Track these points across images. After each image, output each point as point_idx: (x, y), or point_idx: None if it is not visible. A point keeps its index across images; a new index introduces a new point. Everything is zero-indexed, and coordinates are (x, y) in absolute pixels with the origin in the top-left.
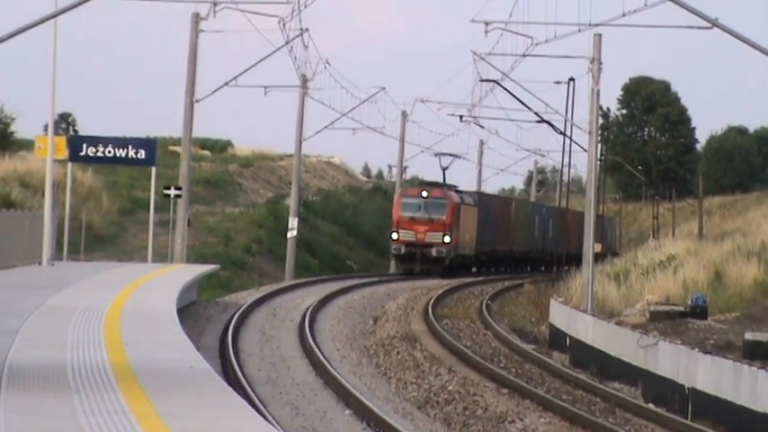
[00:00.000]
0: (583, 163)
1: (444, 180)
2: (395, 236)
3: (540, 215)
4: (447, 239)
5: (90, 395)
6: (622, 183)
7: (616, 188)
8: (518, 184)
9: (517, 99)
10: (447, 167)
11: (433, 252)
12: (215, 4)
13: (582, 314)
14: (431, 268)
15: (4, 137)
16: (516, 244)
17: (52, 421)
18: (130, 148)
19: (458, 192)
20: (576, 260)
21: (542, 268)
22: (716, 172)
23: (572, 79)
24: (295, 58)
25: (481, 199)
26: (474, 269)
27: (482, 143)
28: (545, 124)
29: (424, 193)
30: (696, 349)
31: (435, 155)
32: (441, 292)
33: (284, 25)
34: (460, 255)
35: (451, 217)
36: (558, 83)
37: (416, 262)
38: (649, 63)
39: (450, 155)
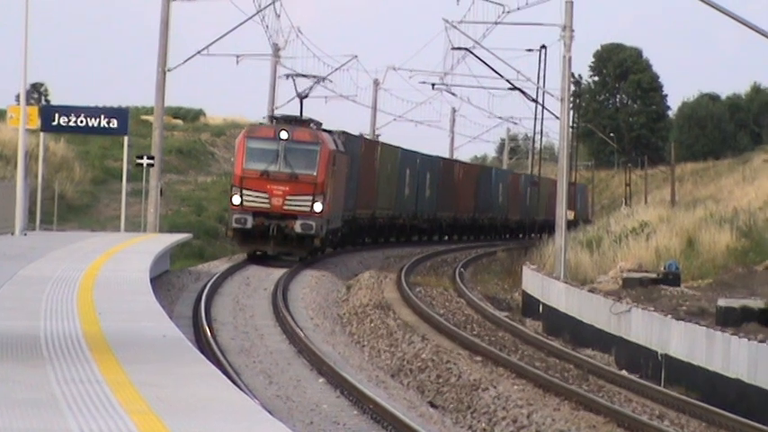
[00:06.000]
0: (555, 130)
1: (301, 113)
2: (236, 200)
3: (413, 167)
4: (318, 207)
5: (64, 365)
6: (594, 150)
7: (588, 155)
8: (490, 151)
9: (489, 67)
10: (306, 95)
11: (298, 227)
12: None
13: (555, 281)
14: (292, 251)
15: None
16: (379, 207)
17: (26, 391)
18: (103, 117)
19: (327, 132)
20: (465, 229)
21: (415, 239)
22: (688, 139)
23: (544, 47)
24: (267, 26)
25: (348, 143)
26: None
27: (454, 111)
28: (517, 92)
29: (284, 134)
30: (669, 316)
31: (287, 76)
32: (414, 260)
33: None
34: (331, 229)
35: (325, 172)
36: (529, 50)
37: (270, 242)
38: (621, 30)
39: (313, 76)
